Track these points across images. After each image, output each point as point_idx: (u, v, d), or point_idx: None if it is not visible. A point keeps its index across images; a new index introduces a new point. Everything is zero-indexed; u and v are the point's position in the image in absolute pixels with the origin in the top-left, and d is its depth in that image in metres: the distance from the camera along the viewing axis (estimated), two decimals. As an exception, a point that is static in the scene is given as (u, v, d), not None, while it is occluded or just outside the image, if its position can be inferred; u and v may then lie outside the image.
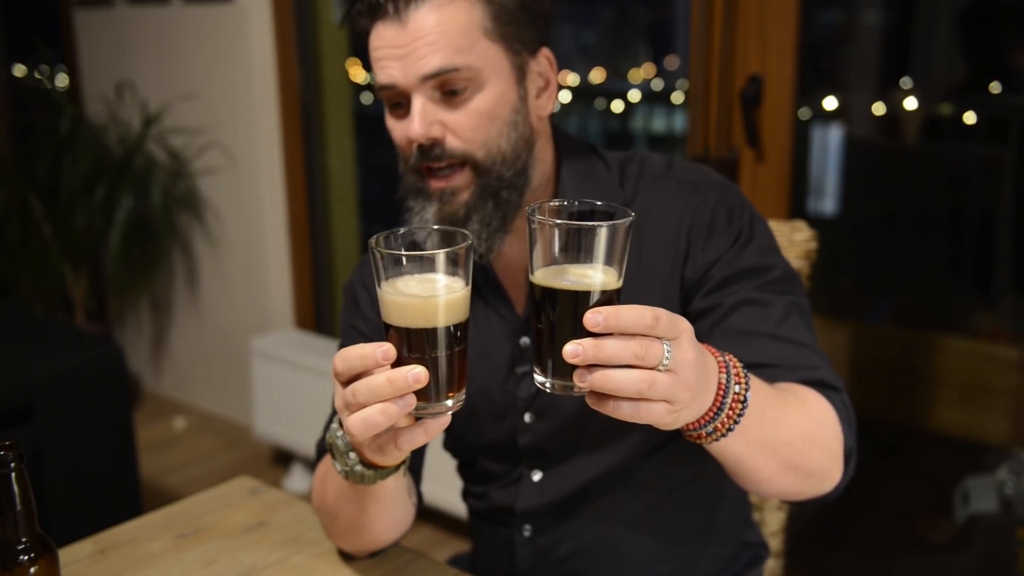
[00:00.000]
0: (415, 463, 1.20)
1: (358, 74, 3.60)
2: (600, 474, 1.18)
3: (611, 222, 0.75)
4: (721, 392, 0.85)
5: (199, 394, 3.70)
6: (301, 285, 3.35)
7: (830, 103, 2.73)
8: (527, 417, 1.18)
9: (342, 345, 1.26)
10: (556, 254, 0.77)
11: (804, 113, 2.59)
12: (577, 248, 0.76)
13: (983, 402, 2.64)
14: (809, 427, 0.98)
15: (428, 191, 1.10)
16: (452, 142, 1.07)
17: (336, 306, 3.47)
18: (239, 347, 3.38)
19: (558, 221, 0.77)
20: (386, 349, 0.78)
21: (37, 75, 4.22)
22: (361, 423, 0.79)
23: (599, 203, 0.81)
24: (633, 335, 0.74)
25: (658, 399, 0.76)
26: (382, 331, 0.81)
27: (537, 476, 1.21)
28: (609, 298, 0.76)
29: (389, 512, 1.07)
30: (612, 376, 0.74)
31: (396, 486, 1.02)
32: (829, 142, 2.80)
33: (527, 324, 1.16)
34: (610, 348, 0.74)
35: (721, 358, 0.87)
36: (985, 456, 2.51)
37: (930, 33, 2.60)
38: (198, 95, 3.31)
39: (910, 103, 2.65)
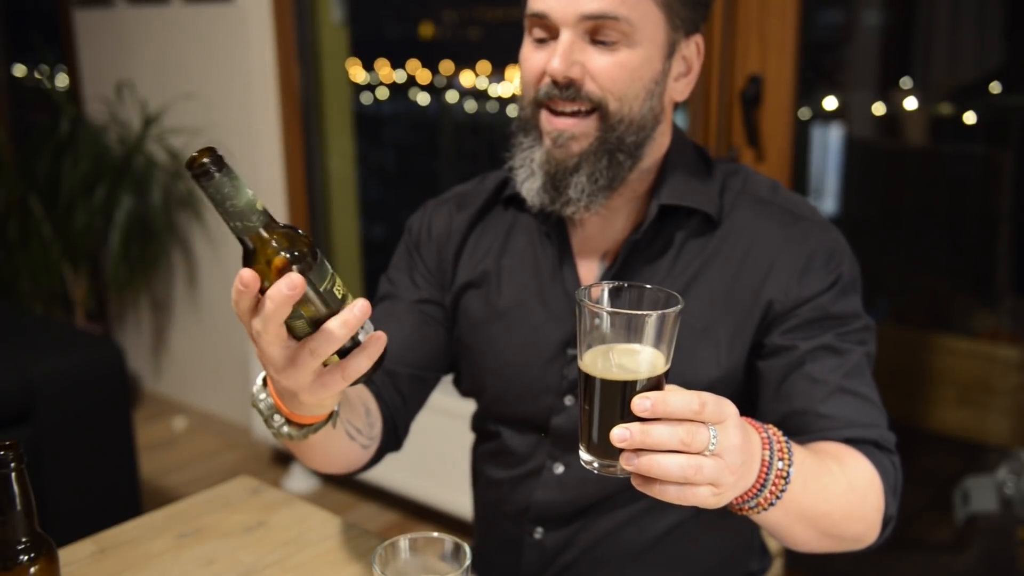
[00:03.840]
0: (414, 395, 1.20)
1: (358, 74, 3.59)
2: (623, 482, 1.17)
3: (661, 311, 0.75)
4: (765, 469, 0.85)
5: (199, 394, 3.69)
6: (301, 285, 3.35)
7: (830, 103, 2.72)
8: (567, 400, 1.17)
9: (394, 272, 1.26)
10: (605, 335, 0.76)
11: (804, 113, 2.58)
12: (626, 330, 0.76)
13: (983, 402, 2.64)
14: (850, 499, 0.98)
15: (543, 130, 1.08)
16: (590, 85, 1.05)
17: (336, 306, 3.47)
18: (239, 347, 3.38)
19: (608, 308, 0.77)
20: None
21: (37, 75, 4.22)
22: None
23: (648, 286, 0.80)
24: (680, 420, 0.75)
25: (703, 483, 0.76)
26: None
27: (559, 469, 1.19)
28: (657, 382, 0.76)
29: (324, 454, 1.06)
30: (659, 461, 0.75)
31: (326, 437, 0.99)
32: (829, 142, 2.79)
33: None
34: (658, 434, 0.74)
35: (764, 433, 0.87)
36: (985, 456, 2.51)
37: (930, 33, 2.59)
38: (198, 95, 3.31)
39: (910, 103, 2.65)
